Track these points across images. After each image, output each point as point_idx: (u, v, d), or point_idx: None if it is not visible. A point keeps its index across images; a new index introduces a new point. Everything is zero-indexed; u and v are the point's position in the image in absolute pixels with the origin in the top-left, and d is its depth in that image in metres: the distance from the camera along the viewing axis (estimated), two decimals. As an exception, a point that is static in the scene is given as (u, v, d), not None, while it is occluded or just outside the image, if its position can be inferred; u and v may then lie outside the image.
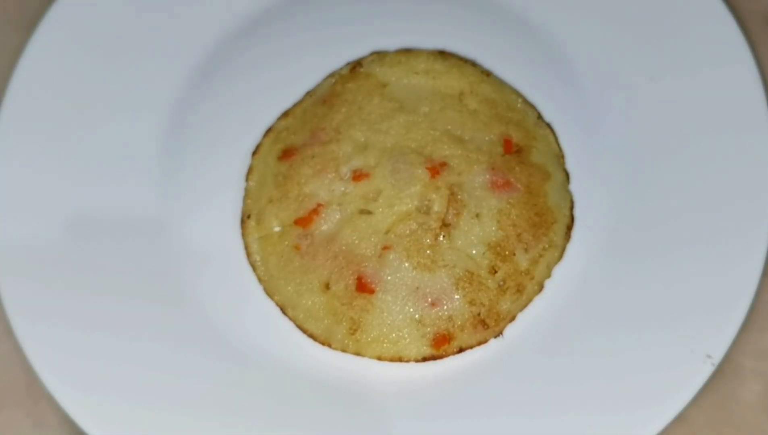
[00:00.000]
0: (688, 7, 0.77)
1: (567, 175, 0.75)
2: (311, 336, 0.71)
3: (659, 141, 0.74)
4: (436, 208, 0.71)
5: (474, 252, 0.70)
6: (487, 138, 0.74)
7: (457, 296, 0.69)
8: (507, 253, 0.70)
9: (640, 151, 0.74)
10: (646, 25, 0.78)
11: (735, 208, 0.71)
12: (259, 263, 0.73)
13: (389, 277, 0.70)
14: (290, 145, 0.75)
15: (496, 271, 0.70)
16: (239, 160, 0.76)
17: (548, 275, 0.72)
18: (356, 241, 0.70)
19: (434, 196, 0.71)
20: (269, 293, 0.72)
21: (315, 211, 0.72)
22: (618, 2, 0.79)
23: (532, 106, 0.77)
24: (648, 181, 0.73)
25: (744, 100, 0.74)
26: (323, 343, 0.70)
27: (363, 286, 0.70)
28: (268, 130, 0.77)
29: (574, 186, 0.75)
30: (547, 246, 0.71)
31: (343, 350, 0.70)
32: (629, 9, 0.79)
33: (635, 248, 0.71)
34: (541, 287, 0.71)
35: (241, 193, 0.75)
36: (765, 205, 0.70)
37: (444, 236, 0.70)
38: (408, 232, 0.70)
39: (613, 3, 0.79)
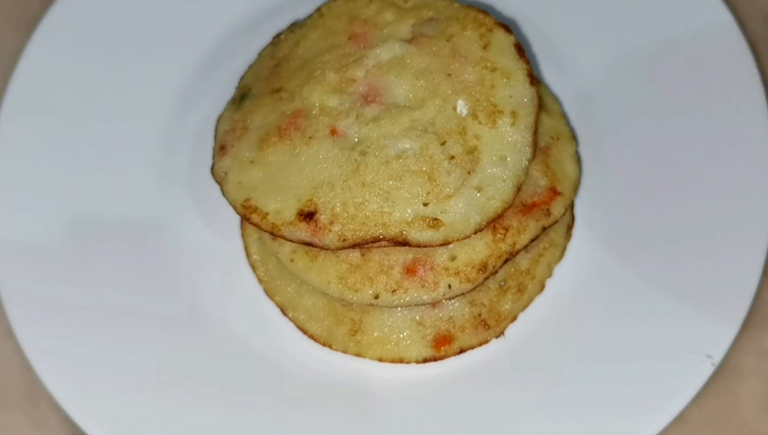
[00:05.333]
0: (688, 7, 0.77)
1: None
2: (312, 337, 0.71)
3: (659, 141, 0.74)
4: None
5: None
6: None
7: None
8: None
9: (640, 151, 0.74)
10: (645, 25, 0.78)
11: (735, 208, 0.70)
12: (259, 264, 0.73)
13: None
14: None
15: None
16: (239, 160, 0.76)
17: (549, 274, 0.72)
18: None
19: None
20: (269, 294, 0.72)
21: None
22: (617, 2, 0.79)
23: None
24: (648, 181, 0.73)
25: (744, 100, 0.74)
26: (324, 344, 0.70)
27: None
28: None
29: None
30: (547, 245, 0.71)
31: (344, 351, 0.70)
32: (629, 9, 0.79)
33: (636, 247, 0.71)
34: (542, 287, 0.71)
35: (241, 194, 0.75)
36: (765, 205, 0.70)
37: None
38: None
39: (613, 3, 0.79)
